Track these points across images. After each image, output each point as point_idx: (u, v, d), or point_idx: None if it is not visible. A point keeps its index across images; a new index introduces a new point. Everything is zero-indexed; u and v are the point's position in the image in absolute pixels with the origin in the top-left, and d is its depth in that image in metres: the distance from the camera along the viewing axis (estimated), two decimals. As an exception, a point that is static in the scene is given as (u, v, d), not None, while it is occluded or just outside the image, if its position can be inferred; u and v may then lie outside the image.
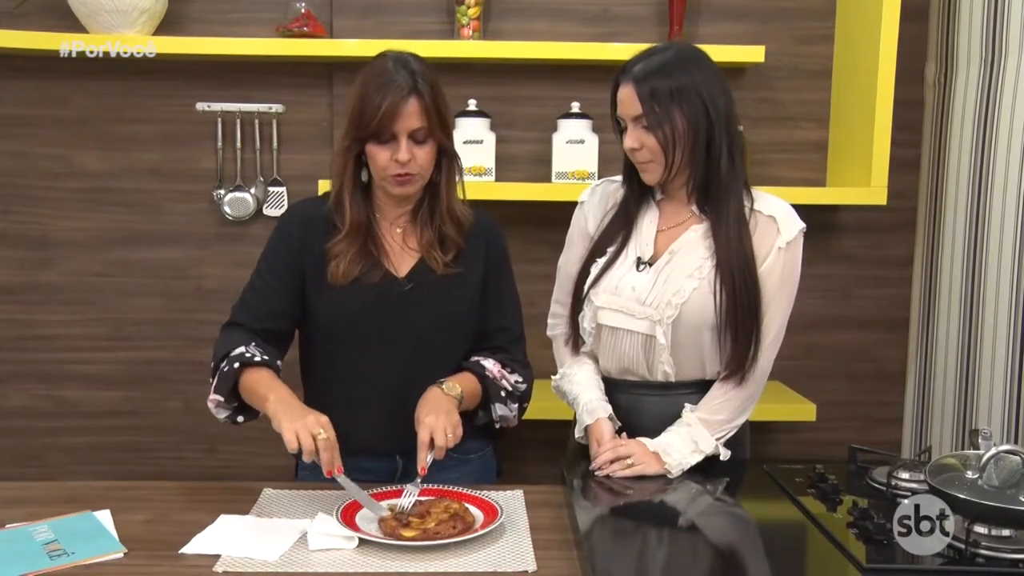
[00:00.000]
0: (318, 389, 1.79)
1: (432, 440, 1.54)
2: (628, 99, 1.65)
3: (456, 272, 1.73)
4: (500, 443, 1.92)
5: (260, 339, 1.70)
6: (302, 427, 1.48)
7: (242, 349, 1.65)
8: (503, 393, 1.74)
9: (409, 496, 1.52)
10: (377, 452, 1.74)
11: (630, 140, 1.67)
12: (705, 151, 1.65)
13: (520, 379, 1.78)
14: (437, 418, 1.56)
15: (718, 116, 1.64)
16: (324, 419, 1.52)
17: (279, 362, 1.70)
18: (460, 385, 1.67)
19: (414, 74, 1.63)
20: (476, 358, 1.77)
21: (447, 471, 1.70)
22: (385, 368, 1.72)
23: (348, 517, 1.47)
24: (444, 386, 1.66)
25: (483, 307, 1.78)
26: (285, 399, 1.55)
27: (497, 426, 1.79)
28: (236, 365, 1.62)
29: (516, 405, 1.78)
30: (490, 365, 1.75)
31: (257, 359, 1.64)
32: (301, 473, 1.84)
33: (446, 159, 1.72)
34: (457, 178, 1.75)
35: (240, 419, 1.68)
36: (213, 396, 1.66)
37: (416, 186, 1.69)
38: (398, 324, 1.71)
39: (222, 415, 1.68)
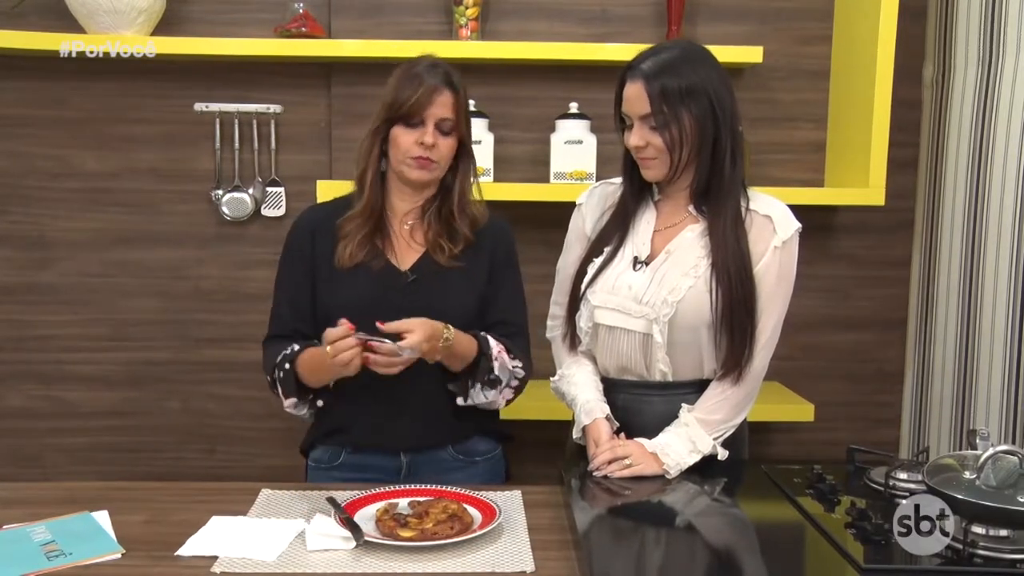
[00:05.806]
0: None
1: (401, 339, 1.56)
2: (636, 97, 1.63)
3: (459, 267, 1.75)
4: (509, 446, 1.91)
5: (298, 338, 1.78)
6: (331, 357, 1.57)
7: (287, 351, 1.74)
8: (488, 375, 1.72)
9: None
10: (382, 449, 1.76)
11: (635, 138, 1.66)
12: (711, 151, 1.65)
13: (519, 365, 1.78)
14: (423, 331, 1.58)
15: (724, 116, 1.63)
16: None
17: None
18: (457, 341, 1.66)
19: (448, 73, 1.74)
20: (484, 334, 1.76)
21: (454, 473, 1.70)
22: None
23: (346, 517, 1.46)
24: (444, 328, 1.65)
25: (485, 302, 1.79)
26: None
27: (467, 401, 1.75)
28: (287, 366, 1.72)
29: (499, 388, 1.75)
30: (494, 343, 1.75)
31: (299, 348, 1.73)
32: (312, 473, 1.86)
33: (464, 158, 1.79)
34: (472, 179, 1.82)
35: (320, 403, 1.77)
36: (287, 402, 1.76)
37: (433, 174, 1.74)
38: (400, 317, 1.71)
39: (303, 411, 1.79)
